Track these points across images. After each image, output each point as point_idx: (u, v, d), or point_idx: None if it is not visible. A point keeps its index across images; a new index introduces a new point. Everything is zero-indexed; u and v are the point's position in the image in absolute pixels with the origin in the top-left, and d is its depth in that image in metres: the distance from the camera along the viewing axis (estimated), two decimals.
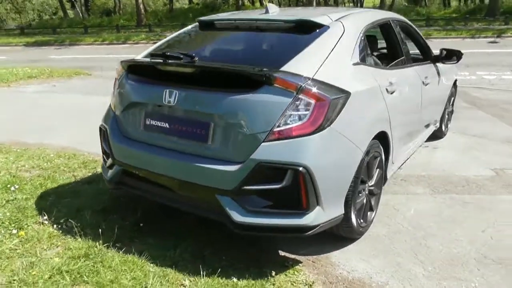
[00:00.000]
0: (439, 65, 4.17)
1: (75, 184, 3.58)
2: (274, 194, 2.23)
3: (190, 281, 2.29)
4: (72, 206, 3.11)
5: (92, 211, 3.03)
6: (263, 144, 2.19)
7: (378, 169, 2.88)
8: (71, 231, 2.73)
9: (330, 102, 2.23)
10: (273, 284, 2.31)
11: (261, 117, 2.21)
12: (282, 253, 2.64)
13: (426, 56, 4.10)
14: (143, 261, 2.44)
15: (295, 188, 2.19)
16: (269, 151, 2.19)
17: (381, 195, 3.08)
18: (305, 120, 2.19)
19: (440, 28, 20.72)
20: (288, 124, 2.19)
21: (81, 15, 36.40)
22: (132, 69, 2.74)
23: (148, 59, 2.74)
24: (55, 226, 2.82)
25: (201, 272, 2.33)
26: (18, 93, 8.29)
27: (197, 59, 2.46)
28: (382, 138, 2.83)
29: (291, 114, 2.19)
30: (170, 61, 2.49)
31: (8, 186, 3.41)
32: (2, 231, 2.74)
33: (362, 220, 2.74)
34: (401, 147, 3.31)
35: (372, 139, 2.63)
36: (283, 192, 2.20)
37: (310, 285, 2.34)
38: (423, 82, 3.63)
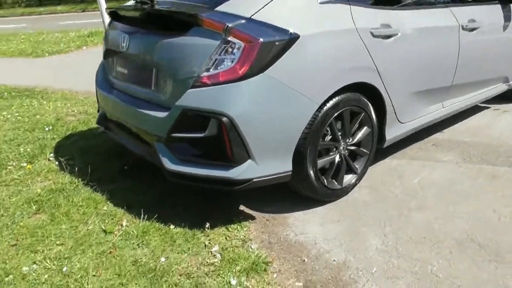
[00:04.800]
0: None
1: None
2: (200, 144, 2.12)
3: (129, 222, 2.36)
4: (83, 147, 3.41)
5: (96, 153, 3.28)
6: (189, 90, 2.08)
7: (364, 127, 2.52)
8: (67, 168, 3.01)
9: (261, 45, 1.99)
10: (207, 236, 2.25)
11: (190, 62, 2.08)
12: (241, 207, 2.53)
13: None
14: (103, 200, 2.58)
15: (219, 139, 2.05)
16: (194, 98, 2.07)
17: (388, 159, 2.71)
18: (233, 65, 2.00)
19: None
20: (216, 69, 2.03)
21: None
22: (112, 16, 2.81)
23: (129, 4, 2.77)
24: (57, 163, 3.13)
25: (143, 216, 2.38)
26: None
27: (156, 2, 2.40)
28: (369, 92, 2.44)
29: (218, 58, 2.02)
30: (129, 5, 2.48)
31: (45, 127, 3.88)
32: (15, 164, 3.15)
33: (333, 182, 2.46)
34: (416, 105, 2.82)
35: (344, 91, 2.29)
36: (209, 142, 2.08)
37: (245, 241, 2.22)
38: (462, 27, 2.97)
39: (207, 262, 2.05)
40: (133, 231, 2.27)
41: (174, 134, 2.15)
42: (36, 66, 7.36)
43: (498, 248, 2.05)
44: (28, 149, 3.38)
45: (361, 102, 2.41)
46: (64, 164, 3.09)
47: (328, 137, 2.38)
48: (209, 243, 2.19)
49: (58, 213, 2.44)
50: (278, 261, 2.08)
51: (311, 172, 2.30)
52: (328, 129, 2.34)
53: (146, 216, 2.38)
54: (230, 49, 2.00)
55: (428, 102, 2.91)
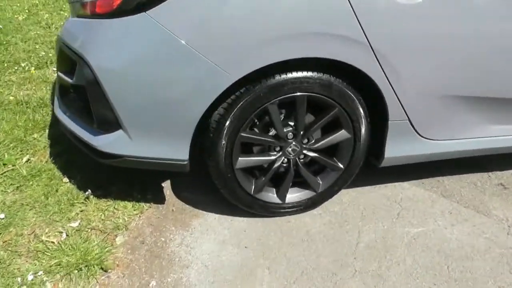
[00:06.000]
0: None
1: None
2: (74, 92, 1.63)
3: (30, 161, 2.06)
4: None
5: None
6: (71, 19, 1.56)
7: (339, 130, 1.66)
8: None
9: None
10: (86, 205, 1.82)
11: None
12: (164, 184, 2.01)
13: None
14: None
15: (84, 92, 1.52)
16: (69, 31, 1.56)
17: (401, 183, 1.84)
18: None
19: None
20: None
21: None
22: None
23: None
24: None
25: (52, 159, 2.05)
26: None
27: None
28: (360, 81, 1.56)
29: None
30: None
31: None
32: None
33: (268, 193, 1.74)
34: (458, 118, 1.76)
35: (298, 68, 1.48)
36: (78, 93, 1.58)
37: (116, 229, 1.72)
38: None
39: (42, 240, 1.64)
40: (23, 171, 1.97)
41: (59, 73, 1.69)
42: None
43: None
44: None
45: (332, 91, 1.54)
46: None
47: (271, 132, 1.63)
48: (77, 214, 1.76)
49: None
50: (121, 271, 1.54)
51: (225, 171, 1.61)
52: (259, 118, 1.58)
53: (52, 159, 2.05)
54: None
55: (480, 118, 1.79)
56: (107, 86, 1.43)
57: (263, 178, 1.69)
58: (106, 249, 1.61)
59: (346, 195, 1.95)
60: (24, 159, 2.04)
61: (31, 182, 1.91)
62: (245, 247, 1.67)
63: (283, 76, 1.47)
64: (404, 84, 1.56)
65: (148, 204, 1.86)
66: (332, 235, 1.74)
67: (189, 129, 1.50)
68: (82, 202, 1.82)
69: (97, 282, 1.49)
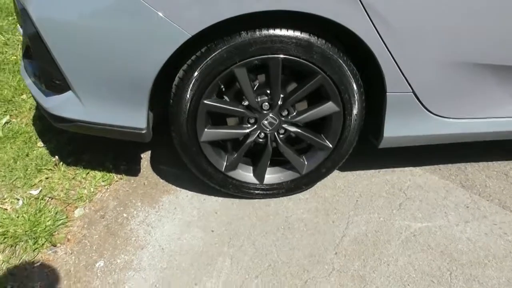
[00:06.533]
0: None
1: None
2: (29, 49, 1.46)
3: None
4: None
5: None
6: None
7: (325, 102, 1.39)
8: None
9: None
10: (56, 171, 1.69)
11: None
12: (143, 155, 1.85)
13: None
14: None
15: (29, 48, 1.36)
16: None
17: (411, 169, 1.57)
18: None
19: None
20: None
21: None
22: None
23: None
24: None
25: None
26: None
27: None
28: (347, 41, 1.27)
29: None
30: None
31: None
32: None
33: (243, 172, 1.53)
34: (477, 92, 1.42)
35: (270, 26, 1.22)
36: (29, 48, 1.42)
37: (77, 200, 1.59)
38: None
39: None
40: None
41: (19, 28, 1.55)
42: None
43: None
44: None
45: (313, 54, 1.27)
46: None
47: (245, 102, 1.39)
48: (41, 181, 1.65)
49: None
50: (71, 247, 1.41)
51: (189, 144, 1.41)
52: (228, 85, 1.35)
53: (33, 122, 1.95)
54: None
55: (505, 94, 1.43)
56: (49, 39, 1.25)
57: (235, 155, 1.47)
58: (61, 221, 1.48)
59: (342, 179, 1.69)
60: (4, 120, 1.95)
61: (4, 144, 1.81)
62: (212, 231, 1.48)
63: (250, 34, 1.22)
64: (402, 45, 1.25)
65: (119, 176, 1.71)
66: (315, 225, 1.50)
67: (143, 92, 1.29)
68: (50, 169, 1.70)
69: (42, 257, 1.37)
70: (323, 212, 1.55)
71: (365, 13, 1.17)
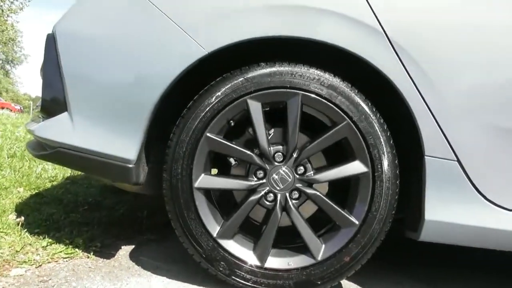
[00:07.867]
0: None
1: None
2: None
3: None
4: None
5: None
6: None
7: (350, 160, 1.17)
8: None
9: None
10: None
11: None
12: (119, 251, 1.52)
13: None
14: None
15: None
16: None
17: None
18: None
19: None
20: None
21: None
22: None
23: None
24: None
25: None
26: None
27: None
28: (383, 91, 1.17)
29: None
30: None
31: None
32: None
33: (236, 244, 1.19)
34: None
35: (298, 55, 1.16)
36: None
37: (31, 264, 1.22)
38: None
39: None
40: None
41: None
42: None
43: None
44: None
45: (337, 96, 1.14)
46: None
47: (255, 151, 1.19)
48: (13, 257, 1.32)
49: None
50: None
51: (181, 188, 1.15)
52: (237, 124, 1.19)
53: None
54: None
55: None
56: (65, 53, 1.21)
57: (234, 215, 1.16)
58: None
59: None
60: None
61: None
62: None
63: (270, 67, 1.14)
64: (441, 97, 1.10)
65: (86, 254, 1.36)
66: None
67: (142, 113, 1.14)
68: (6, 232, 1.39)
69: None
70: None
71: (394, 53, 1.09)
